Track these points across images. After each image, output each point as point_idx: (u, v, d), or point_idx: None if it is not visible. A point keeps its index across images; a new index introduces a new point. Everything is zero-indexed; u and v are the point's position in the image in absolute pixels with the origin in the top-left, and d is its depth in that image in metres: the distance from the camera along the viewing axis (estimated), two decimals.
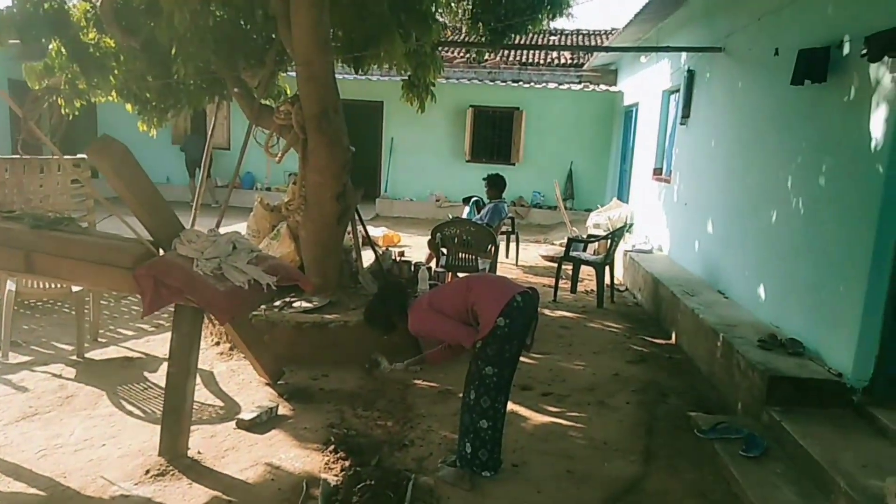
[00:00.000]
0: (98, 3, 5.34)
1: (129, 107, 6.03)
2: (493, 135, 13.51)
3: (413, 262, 5.93)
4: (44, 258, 3.10)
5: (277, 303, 4.98)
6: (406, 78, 6.72)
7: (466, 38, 8.83)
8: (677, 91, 8.01)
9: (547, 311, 6.47)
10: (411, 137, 13.53)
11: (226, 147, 13.85)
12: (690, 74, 7.32)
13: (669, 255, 7.69)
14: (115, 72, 5.82)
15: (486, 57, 10.46)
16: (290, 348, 4.57)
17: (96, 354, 4.77)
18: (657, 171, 8.87)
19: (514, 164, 13.34)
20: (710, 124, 6.65)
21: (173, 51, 5.11)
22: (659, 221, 8.25)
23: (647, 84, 9.88)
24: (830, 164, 4.23)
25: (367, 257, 6.16)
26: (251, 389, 4.24)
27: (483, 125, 13.44)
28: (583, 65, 13.91)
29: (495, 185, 7.22)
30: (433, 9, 5.38)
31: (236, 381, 4.36)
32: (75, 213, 6.66)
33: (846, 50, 4.09)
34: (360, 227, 5.56)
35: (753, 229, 5.37)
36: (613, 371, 4.84)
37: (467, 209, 8.63)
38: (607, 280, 6.96)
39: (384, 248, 9.56)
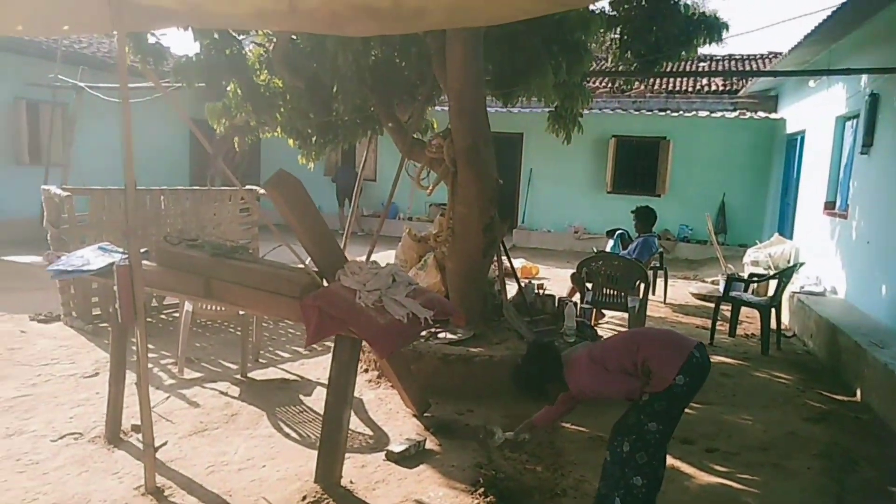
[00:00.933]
0: (271, 48, 5.79)
1: (291, 142, 6.44)
2: (637, 165, 13.01)
3: (557, 297, 5.74)
4: (221, 285, 3.30)
5: (423, 333, 5.00)
6: (552, 109, 6.63)
7: (613, 68, 8.58)
8: (855, 117, 7.24)
9: None
10: (550, 168, 13.39)
11: (372, 178, 14.47)
12: (874, 98, 6.57)
13: (846, 298, 6.87)
14: (282, 110, 6.25)
15: (632, 86, 10.15)
16: (435, 380, 4.54)
17: (257, 374, 5.03)
18: (829, 206, 8.02)
19: (658, 196, 12.73)
20: None
21: (334, 89, 5.39)
22: (832, 261, 7.43)
23: (815, 110, 9.04)
24: None
25: (511, 290, 6.07)
26: (398, 420, 4.25)
27: (626, 155, 13.00)
28: (737, 91, 13.08)
29: (645, 218, 6.87)
30: (584, 38, 5.24)
31: (384, 410, 4.40)
32: (242, 241, 7.20)
33: None
34: (504, 260, 5.47)
35: None
36: (788, 429, 4.32)
37: (611, 242, 8.31)
38: (773, 324, 6.33)
39: (526, 281, 9.48)
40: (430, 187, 5.02)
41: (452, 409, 4.37)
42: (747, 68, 14.68)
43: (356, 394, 4.57)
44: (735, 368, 5.64)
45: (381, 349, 3.11)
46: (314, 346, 5.66)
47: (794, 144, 10.49)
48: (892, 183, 6.03)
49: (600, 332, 6.47)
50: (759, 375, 5.48)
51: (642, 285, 6.04)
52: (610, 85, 13.59)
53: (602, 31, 7.70)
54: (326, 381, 3.36)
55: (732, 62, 15.29)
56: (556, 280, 8.92)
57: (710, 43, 7.57)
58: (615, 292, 5.83)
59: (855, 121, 7.27)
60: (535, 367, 3.08)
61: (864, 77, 6.91)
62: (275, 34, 5.51)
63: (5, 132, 10.63)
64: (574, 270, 6.47)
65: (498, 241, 5.10)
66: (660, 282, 8.62)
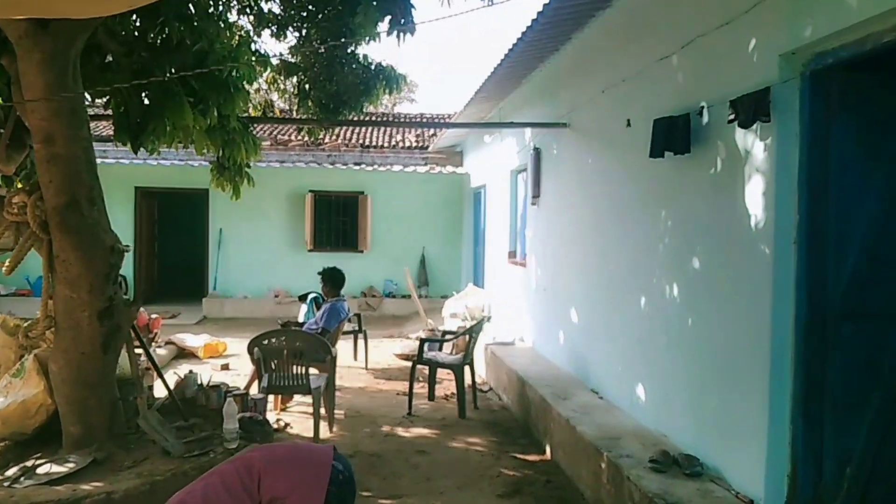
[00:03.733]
0: None
1: None
2: (338, 221, 12.56)
3: (224, 389, 4.63)
4: None
5: (12, 470, 3.47)
6: (214, 160, 5.65)
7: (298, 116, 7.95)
8: (525, 170, 7.60)
9: (401, 430, 5.39)
10: (243, 227, 12.14)
11: None
12: (537, 152, 6.91)
13: (533, 346, 6.99)
14: None
15: (321, 136, 9.62)
16: None
17: None
18: (512, 255, 8.33)
19: (362, 252, 12.40)
20: (562, 203, 6.17)
21: None
22: (519, 309, 7.61)
23: (493, 164, 9.52)
24: (704, 246, 3.69)
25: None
26: None
27: (325, 211, 12.45)
28: (427, 147, 13.57)
29: (331, 280, 6.15)
30: (235, 74, 4.39)
31: None
32: None
33: (707, 117, 3.65)
34: (139, 352, 4.19)
35: (620, 319, 4.76)
36: None
37: (304, 308, 7.48)
38: (468, 381, 6.06)
39: (188, 370, 8.07)
40: (9, 263, 3.56)
41: None
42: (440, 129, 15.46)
43: None
44: (432, 441, 5.12)
45: None
46: None
47: (479, 197, 11.01)
48: (556, 231, 6.27)
49: (286, 420, 5.53)
50: (456, 446, 5.03)
51: (329, 360, 5.25)
52: (302, 138, 13.02)
53: (266, 70, 7.03)
54: None
55: (424, 120, 15.99)
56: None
57: (389, 93, 7.40)
58: (295, 372, 4.91)
59: (525, 174, 7.63)
60: None
61: (528, 133, 7.29)
62: None
63: None
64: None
65: (125, 330, 3.82)
66: (361, 345, 8.01)
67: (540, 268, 6.88)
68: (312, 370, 5.59)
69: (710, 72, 3.68)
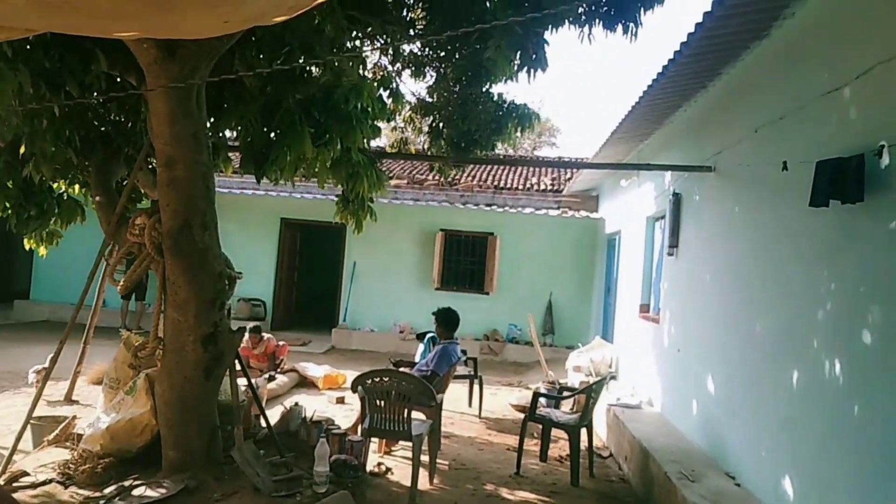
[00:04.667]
0: None
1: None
2: (466, 261, 12.44)
3: (325, 426, 4.50)
4: None
5: (110, 488, 3.52)
6: (339, 194, 5.71)
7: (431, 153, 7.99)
8: (662, 217, 7.00)
9: (505, 492, 4.95)
10: (376, 262, 12.43)
11: None
12: (676, 198, 6.31)
13: (662, 412, 6.27)
14: None
15: (451, 175, 9.63)
16: None
17: None
18: (644, 308, 7.65)
19: (487, 293, 12.16)
20: (703, 255, 5.52)
21: (21, 150, 4.02)
22: (648, 369, 6.91)
23: (629, 210, 8.92)
24: (881, 315, 3.00)
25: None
26: None
27: (455, 251, 12.40)
28: (562, 190, 13.16)
29: (446, 321, 5.91)
30: (358, 107, 4.37)
31: None
32: None
33: (888, 158, 3.00)
34: (242, 381, 4.17)
35: (767, 394, 4.05)
36: None
37: (421, 347, 7.30)
38: (585, 444, 5.50)
39: (323, 391, 8.14)
40: (124, 282, 3.69)
41: None
42: (577, 170, 15.03)
43: None
44: None
45: None
46: None
47: (613, 244, 10.39)
48: (696, 286, 5.61)
49: (388, 465, 5.30)
50: None
51: (434, 406, 4.97)
52: (438, 178, 13.17)
53: (402, 108, 7.14)
54: None
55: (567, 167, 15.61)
56: None
57: (521, 131, 7.19)
58: (397, 416, 4.68)
59: (663, 221, 7.02)
60: None
61: (668, 177, 6.71)
62: None
63: None
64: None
65: (228, 358, 3.81)
66: (476, 392, 7.68)
67: (674, 325, 6.19)
68: (419, 415, 5.36)
69: (893, 105, 3.05)
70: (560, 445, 6.16)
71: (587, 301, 11.89)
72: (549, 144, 23.19)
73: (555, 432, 6.05)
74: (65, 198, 5.04)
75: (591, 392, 5.42)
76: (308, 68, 4.03)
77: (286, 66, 3.53)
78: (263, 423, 4.56)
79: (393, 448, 5.76)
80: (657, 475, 4.64)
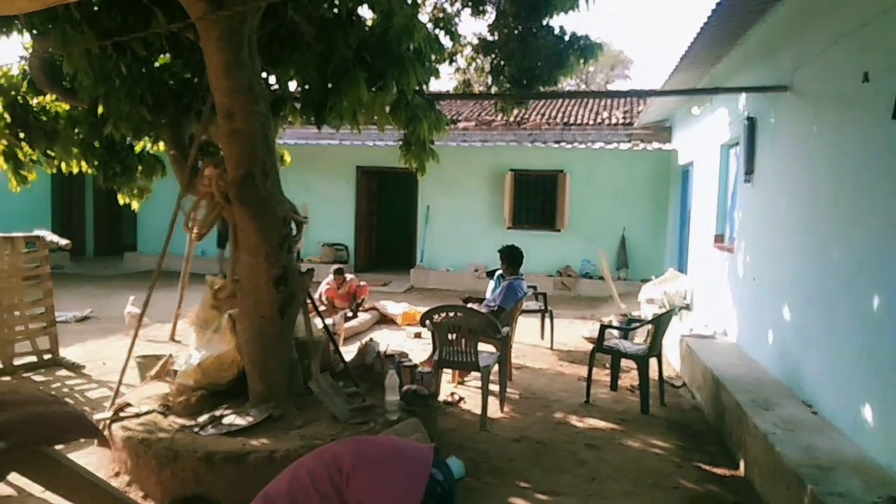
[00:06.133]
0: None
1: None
2: (536, 200, 12.35)
3: (398, 359, 4.71)
4: None
5: (203, 417, 3.87)
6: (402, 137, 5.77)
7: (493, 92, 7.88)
8: (737, 144, 6.67)
9: (574, 419, 5.07)
10: (448, 204, 12.61)
11: None
12: (751, 123, 5.98)
13: (737, 342, 6.15)
14: (64, 138, 5.09)
15: (515, 114, 9.42)
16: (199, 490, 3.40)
17: None
18: (719, 238, 7.42)
19: (559, 231, 12.09)
20: (780, 180, 5.27)
21: (99, 109, 4.30)
22: (723, 299, 6.75)
23: (702, 139, 8.54)
24: None
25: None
26: None
27: (525, 190, 12.33)
28: (633, 123, 12.69)
29: (510, 258, 5.98)
30: (410, 48, 4.36)
31: None
32: (28, 297, 5.90)
33: None
34: (315, 318, 4.41)
35: (847, 319, 3.90)
36: None
37: (492, 283, 7.42)
38: (654, 375, 5.51)
39: (402, 327, 8.44)
40: (198, 230, 3.94)
41: None
42: (647, 101, 14.41)
43: None
44: (605, 436, 4.73)
45: None
46: None
47: (687, 175, 10.02)
48: (772, 213, 5.38)
49: (461, 395, 5.52)
50: (632, 445, 4.58)
51: (500, 339, 5.09)
52: (507, 118, 12.99)
53: (463, 48, 7.05)
54: None
55: (634, 98, 15.00)
56: None
57: (585, 63, 6.94)
58: (463, 349, 4.84)
59: (737, 148, 6.70)
60: None
61: (742, 101, 6.36)
62: (34, 38, 4.35)
63: None
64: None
65: (299, 297, 4.04)
66: (547, 325, 7.77)
67: (749, 254, 5.99)
68: (488, 347, 5.51)
69: None
70: (631, 376, 6.19)
71: (661, 234, 11.61)
72: (622, 77, 22.22)
73: (626, 363, 6.09)
74: (146, 154, 5.36)
75: (659, 323, 5.38)
76: (358, 11, 4.05)
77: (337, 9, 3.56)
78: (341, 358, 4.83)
79: (465, 379, 5.97)
80: (729, 404, 4.61)
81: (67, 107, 5.15)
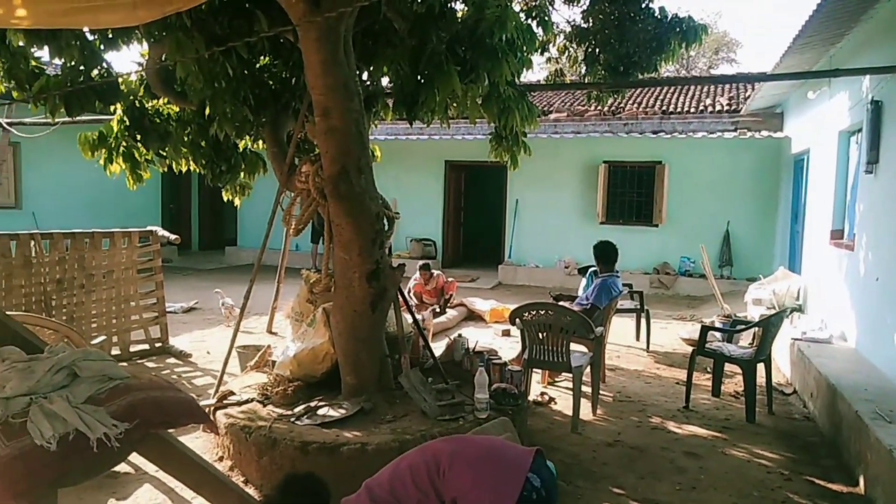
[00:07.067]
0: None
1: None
2: (632, 193, 11.91)
3: (487, 357, 4.66)
4: None
5: (299, 408, 3.99)
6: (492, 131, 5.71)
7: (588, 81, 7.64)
8: (859, 131, 6.12)
9: (672, 425, 4.84)
10: (538, 198, 12.38)
11: None
12: (876, 107, 5.46)
13: (857, 347, 5.66)
14: (174, 139, 5.40)
15: (610, 102, 9.07)
16: None
17: None
18: (836, 234, 6.84)
19: (656, 226, 11.61)
20: None
21: (206, 110, 4.52)
22: (840, 301, 6.23)
23: (819, 126, 7.90)
24: None
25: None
26: None
27: (619, 182, 11.91)
28: (739, 110, 11.95)
29: (604, 255, 5.77)
30: (502, 39, 4.28)
31: None
32: (143, 289, 6.30)
33: None
34: (406, 314, 4.44)
35: None
36: None
37: (584, 281, 7.22)
38: (761, 381, 5.16)
39: (490, 324, 8.39)
40: (294, 225, 4.05)
41: None
42: (756, 85, 13.55)
43: None
44: (707, 444, 4.48)
45: None
46: None
47: (800, 165, 9.32)
48: None
49: (551, 395, 5.40)
50: (736, 454, 4.30)
51: (593, 339, 4.93)
52: (601, 108, 12.59)
53: (557, 37, 6.87)
54: None
55: (741, 84, 14.16)
56: None
57: (687, 47, 6.59)
58: (555, 348, 4.72)
59: (859, 135, 6.15)
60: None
61: (866, 83, 5.82)
62: (150, 46, 4.65)
63: None
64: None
65: (391, 293, 4.08)
66: (643, 325, 7.47)
67: (872, 251, 5.48)
68: (581, 347, 5.35)
69: None
70: (735, 381, 5.85)
71: (770, 230, 10.88)
72: (727, 61, 20.99)
73: (729, 367, 5.75)
74: (248, 153, 5.60)
75: (768, 325, 5.03)
76: (449, 5, 4.02)
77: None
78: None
79: (556, 379, 5.85)
80: (847, 414, 4.24)
81: (178, 109, 5.47)
